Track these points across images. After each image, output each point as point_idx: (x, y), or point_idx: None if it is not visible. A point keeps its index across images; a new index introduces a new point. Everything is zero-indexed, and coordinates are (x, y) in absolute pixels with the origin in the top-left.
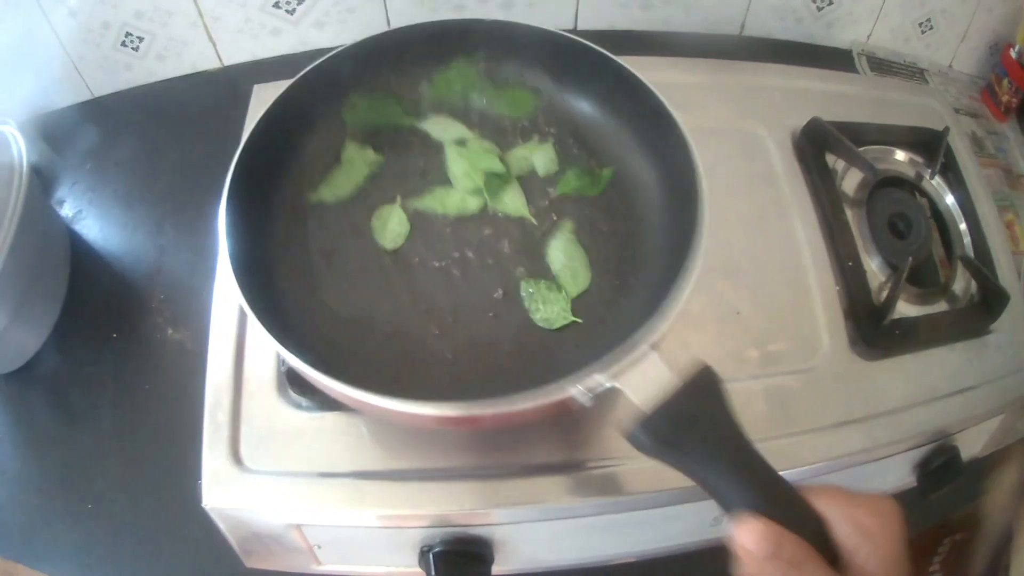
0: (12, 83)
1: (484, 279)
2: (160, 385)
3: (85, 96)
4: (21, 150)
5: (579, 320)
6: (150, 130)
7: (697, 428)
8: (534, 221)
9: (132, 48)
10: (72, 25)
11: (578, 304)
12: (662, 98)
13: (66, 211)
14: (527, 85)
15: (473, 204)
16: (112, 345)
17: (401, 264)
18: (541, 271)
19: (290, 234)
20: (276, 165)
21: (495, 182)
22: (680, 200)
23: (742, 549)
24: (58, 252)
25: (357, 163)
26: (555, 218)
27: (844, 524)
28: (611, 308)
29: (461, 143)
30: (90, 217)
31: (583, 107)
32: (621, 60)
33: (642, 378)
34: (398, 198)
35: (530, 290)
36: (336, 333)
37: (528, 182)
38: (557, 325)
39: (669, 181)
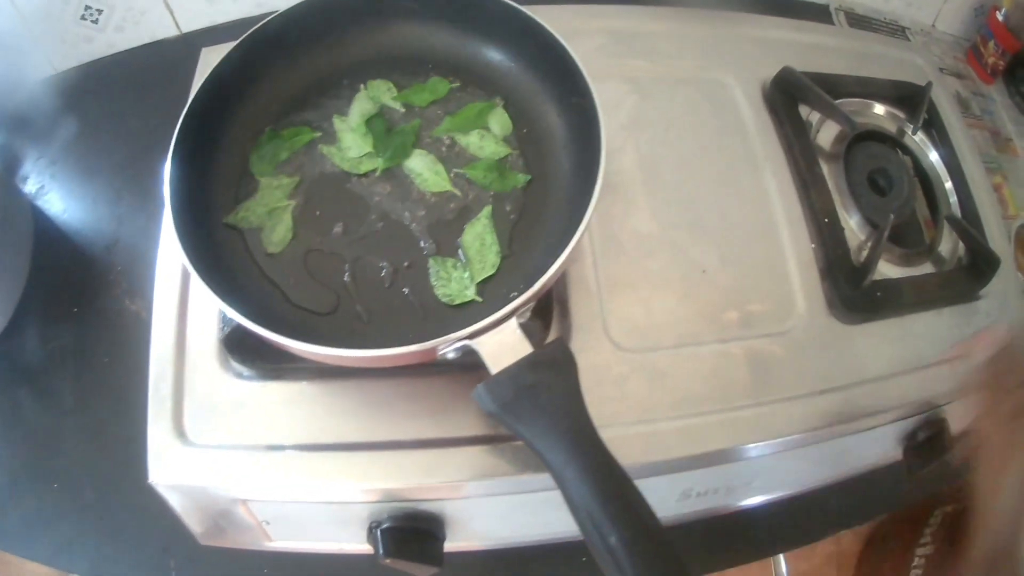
0: None
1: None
2: (119, 358)
3: (47, 71)
4: None
5: (479, 300)
6: (111, 101)
7: (537, 397)
8: (457, 192)
9: (92, 21)
10: (33, 1)
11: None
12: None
13: (30, 187)
14: (439, 70)
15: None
16: (73, 319)
17: (322, 232)
18: (453, 252)
19: (228, 197)
20: (220, 125)
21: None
22: (583, 168)
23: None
24: (21, 229)
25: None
26: (471, 196)
27: None
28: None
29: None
30: (53, 191)
31: (493, 56)
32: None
33: (498, 343)
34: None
35: (436, 268)
36: (259, 294)
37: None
38: (457, 302)
39: (576, 137)
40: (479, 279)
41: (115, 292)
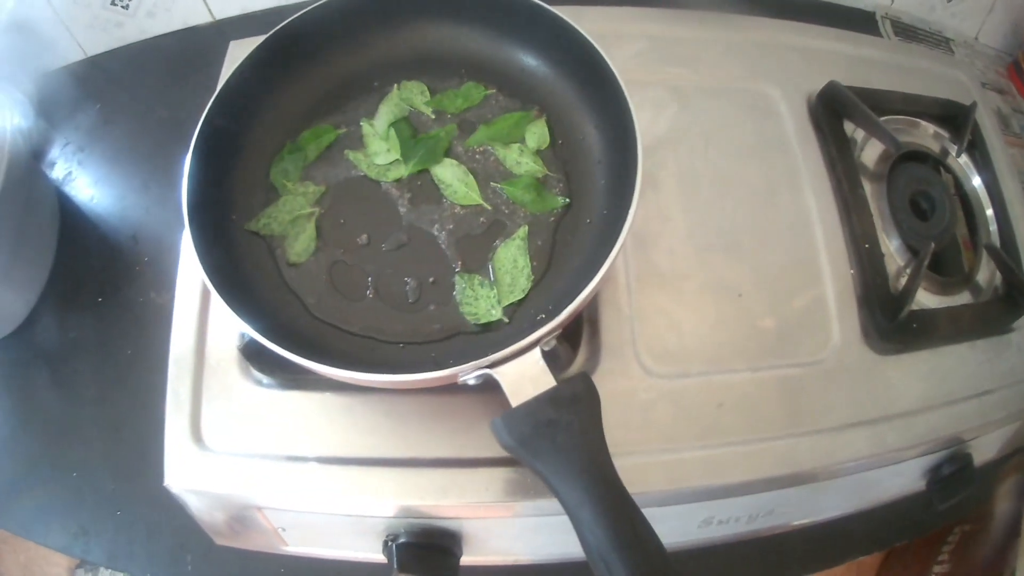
0: (3, 46)
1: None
2: (142, 350)
3: (77, 56)
4: (9, 114)
5: (506, 320)
6: (141, 88)
7: (556, 435)
8: (487, 206)
9: (122, 6)
10: None
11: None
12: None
13: (57, 173)
14: (474, 75)
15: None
16: (97, 309)
17: (347, 243)
18: (480, 268)
19: (251, 202)
20: (243, 125)
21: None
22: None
23: None
24: (46, 216)
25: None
26: (506, 211)
27: None
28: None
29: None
30: (80, 178)
31: (528, 62)
32: (572, 9)
33: (519, 374)
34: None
35: (462, 284)
36: (280, 304)
37: (480, 166)
38: (483, 321)
39: (612, 151)
40: (507, 303)
41: (141, 283)
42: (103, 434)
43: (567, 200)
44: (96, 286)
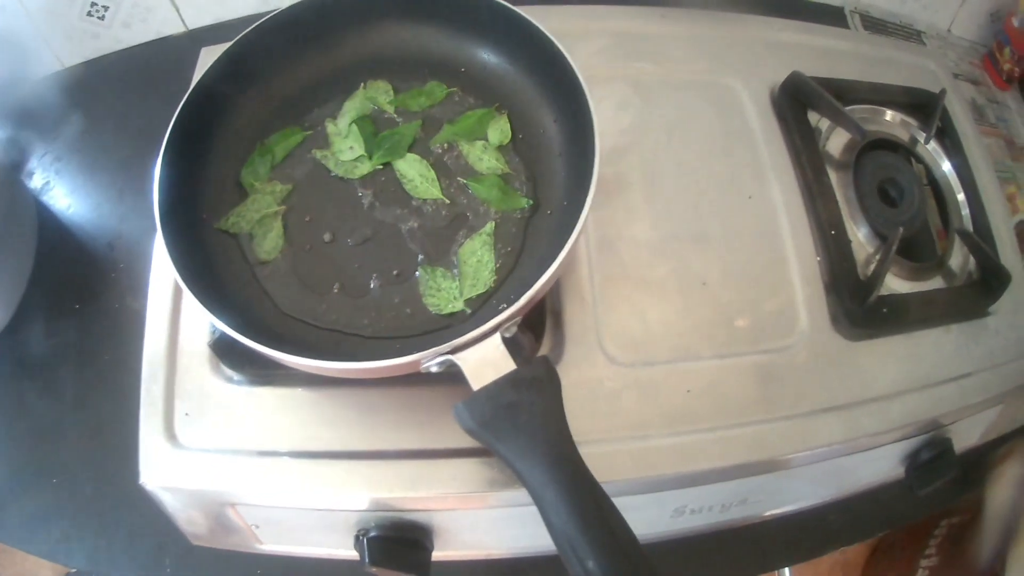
0: None
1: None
2: (119, 355)
3: (54, 67)
4: None
5: (468, 311)
6: (117, 98)
7: (517, 417)
8: (447, 201)
9: (98, 17)
10: None
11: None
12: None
13: (35, 183)
14: (437, 74)
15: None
16: (75, 316)
17: (314, 239)
18: (444, 262)
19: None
20: (212, 127)
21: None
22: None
23: None
24: (25, 225)
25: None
26: (469, 207)
27: None
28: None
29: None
30: (57, 187)
31: (489, 59)
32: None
33: (480, 359)
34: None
35: (425, 277)
36: (250, 301)
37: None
38: (445, 312)
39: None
40: (469, 296)
41: (117, 290)
42: (82, 439)
43: (531, 201)
44: (74, 293)
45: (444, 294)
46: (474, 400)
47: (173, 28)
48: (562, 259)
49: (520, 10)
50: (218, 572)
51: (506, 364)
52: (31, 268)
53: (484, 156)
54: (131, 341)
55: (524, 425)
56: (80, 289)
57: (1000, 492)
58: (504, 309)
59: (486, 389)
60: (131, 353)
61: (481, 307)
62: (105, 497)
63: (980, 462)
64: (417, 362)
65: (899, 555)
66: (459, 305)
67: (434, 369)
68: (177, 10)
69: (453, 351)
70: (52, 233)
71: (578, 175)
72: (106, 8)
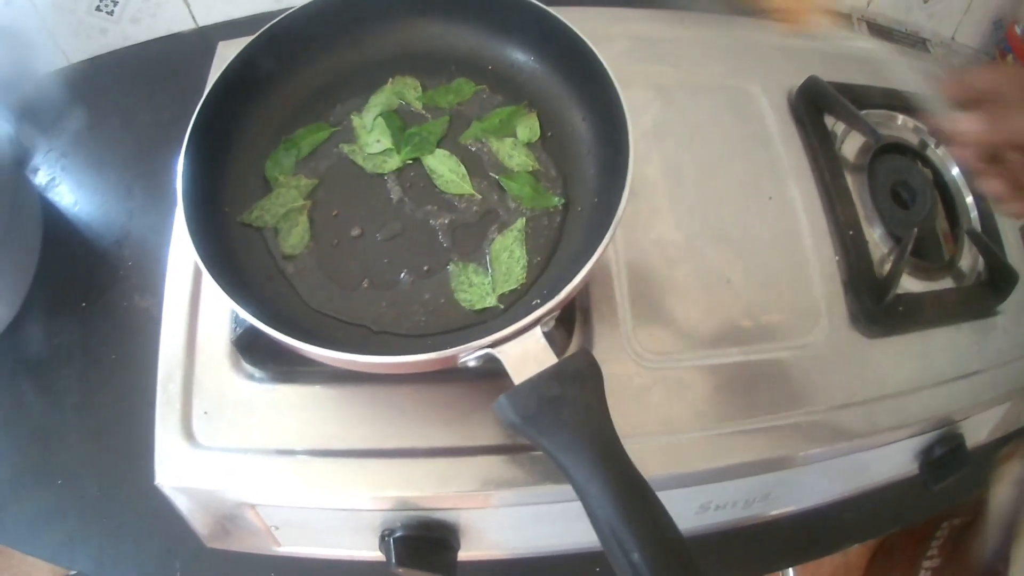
0: None
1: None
2: (127, 355)
3: (61, 63)
4: None
5: (501, 306)
6: (125, 94)
7: (561, 410)
8: (478, 196)
9: (107, 12)
10: None
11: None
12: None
13: (40, 179)
14: (465, 71)
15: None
16: (81, 314)
17: (342, 235)
18: (476, 257)
19: (244, 194)
20: (236, 119)
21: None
22: (608, 175)
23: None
24: (29, 222)
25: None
26: (501, 203)
27: None
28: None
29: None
30: (64, 183)
31: (517, 57)
32: (581, 10)
33: (521, 352)
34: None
35: (457, 272)
36: (275, 295)
37: (473, 158)
38: (478, 307)
39: (602, 143)
40: (501, 291)
41: (125, 288)
42: (87, 440)
43: (563, 200)
44: (80, 291)
45: (477, 289)
46: (517, 394)
47: (183, 25)
48: (599, 255)
49: (551, 9)
50: (231, 574)
51: (548, 357)
52: (36, 265)
53: (514, 153)
54: (139, 340)
55: (568, 419)
56: (87, 287)
57: (1003, 492)
58: (539, 305)
59: (529, 382)
60: (139, 352)
61: (514, 303)
62: (111, 499)
63: (986, 460)
64: (455, 356)
65: (900, 557)
66: (492, 300)
67: (472, 363)
68: (188, 6)
69: (494, 344)
70: (58, 230)
71: (609, 174)
72: (115, 3)
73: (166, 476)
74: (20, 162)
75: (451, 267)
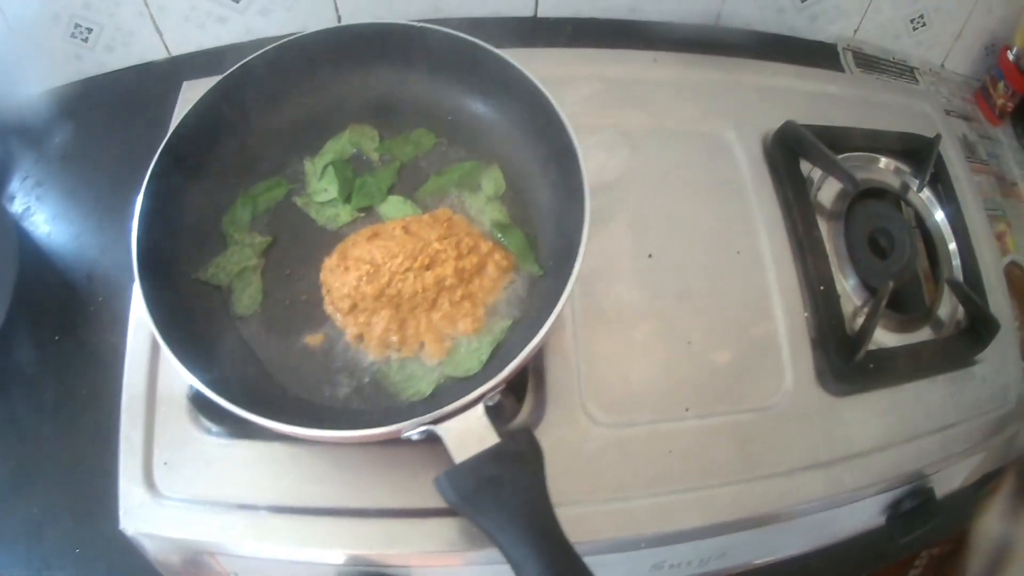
0: None
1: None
2: (97, 390)
3: (36, 89)
4: None
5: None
6: (98, 123)
7: (500, 491)
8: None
9: (82, 39)
10: (24, 16)
11: None
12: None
13: (16, 207)
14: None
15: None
16: (54, 348)
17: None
18: None
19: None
20: (194, 170)
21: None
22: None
23: None
24: (6, 250)
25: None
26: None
27: None
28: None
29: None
30: (38, 213)
31: (477, 107)
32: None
33: (463, 430)
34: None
35: (389, 374)
36: (230, 354)
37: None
38: (428, 393)
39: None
40: (459, 376)
41: (95, 323)
42: (61, 472)
43: (542, 272)
44: (54, 324)
45: (420, 381)
46: (456, 473)
47: (156, 54)
48: (546, 330)
49: (507, 54)
50: None
51: (489, 436)
52: (10, 297)
53: (486, 208)
54: (108, 376)
55: (507, 500)
56: (60, 320)
57: (987, 524)
58: (481, 382)
59: (469, 462)
60: (108, 388)
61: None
62: (84, 531)
63: (962, 503)
64: (398, 432)
65: None
66: (434, 384)
67: (415, 438)
68: (160, 36)
69: (435, 421)
70: (33, 260)
71: (566, 237)
72: (90, 30)
73: (130, 522)
74: None
75: (378, 372)
